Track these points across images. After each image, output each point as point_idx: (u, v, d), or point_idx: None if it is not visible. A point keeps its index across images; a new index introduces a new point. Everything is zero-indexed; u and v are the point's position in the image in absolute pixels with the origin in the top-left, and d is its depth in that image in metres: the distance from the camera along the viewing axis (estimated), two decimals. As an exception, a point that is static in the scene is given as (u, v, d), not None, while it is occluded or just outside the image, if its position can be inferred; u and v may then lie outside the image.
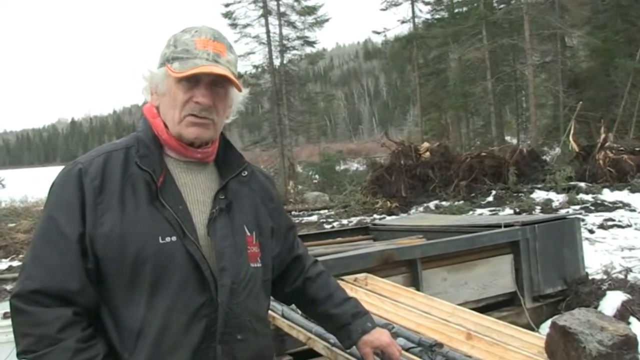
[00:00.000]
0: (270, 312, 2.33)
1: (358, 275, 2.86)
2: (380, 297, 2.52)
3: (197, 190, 1.46)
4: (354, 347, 1.75)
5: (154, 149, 1.43)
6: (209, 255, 1.38)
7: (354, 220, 12.66)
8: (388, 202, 13.87)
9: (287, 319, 2.24)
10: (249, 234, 1.49)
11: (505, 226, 5.05)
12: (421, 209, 13.63)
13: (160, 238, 1.34)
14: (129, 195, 1.37)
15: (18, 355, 1.32)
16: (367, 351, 1.72)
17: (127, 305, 1.34)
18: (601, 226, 10.01)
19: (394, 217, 11.43)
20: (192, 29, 1.45)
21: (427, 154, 15.29)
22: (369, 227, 6.43)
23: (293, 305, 2.35)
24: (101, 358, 1.31)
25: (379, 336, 1.72)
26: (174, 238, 1.35)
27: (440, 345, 1.95)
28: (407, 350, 1.92)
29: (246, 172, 1.54)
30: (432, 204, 13.87)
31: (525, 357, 1.89)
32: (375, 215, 12.88)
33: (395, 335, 2.04)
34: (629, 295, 5.14)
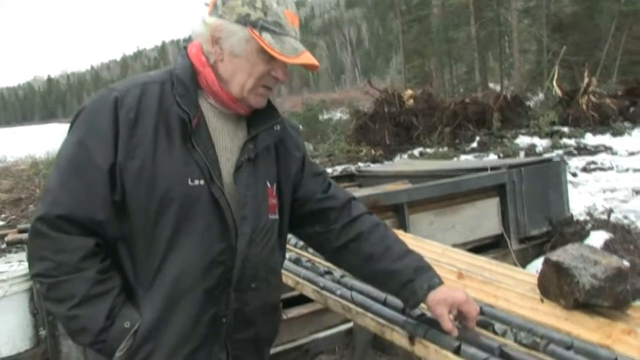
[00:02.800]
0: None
1: (345, 219, 2.81)
2: (369, 240, 2.48)
3: (226, 137, 1.43)
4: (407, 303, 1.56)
5: (192, 90, 1.39)
6: (232, 203, 1.37)
7: (339, 168, 12.61)
8: (372, 150, 13.85)
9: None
10: (269, 185, 1.47)
11: (492, 169, 5.03)
12: (405, 156, 13.63)
13: (189, 180, 1.32)
14: (162, 133, 1.34)
15: (33, 276, 1.34)
16: (440, 311, 1.50)
17: (148, 243, 1.33)
18: (584, 169, 10.11)
19: (378, 164, 11.41)
20: None
21: (411, 101, 15.19)
22: (354, 174, 6.40)
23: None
24: (117, 291, 1.32)
25: (452, 293, 1.52)
26: (202, 182, 1.33)
27: (432, 284, 1.91)
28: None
29: (279, 126, 1.50)
30: (416, 151, 13.88)
31: (518, 294, 1.87)
32: (359, 164, 12.84)
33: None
34: (611, 235, 5.20)
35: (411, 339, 1.58)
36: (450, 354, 1.46)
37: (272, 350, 2.75)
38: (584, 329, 1.60)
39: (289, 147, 1.56)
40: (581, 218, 5.75)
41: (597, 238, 4.98)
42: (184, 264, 1.32)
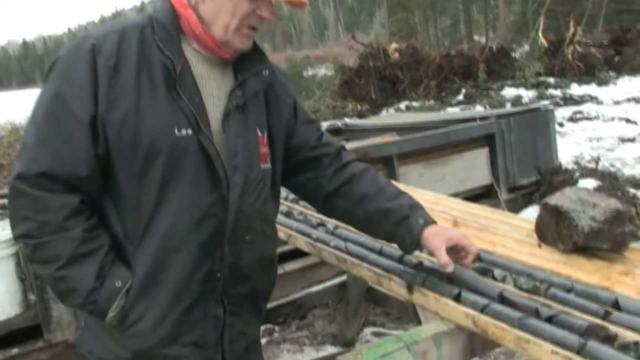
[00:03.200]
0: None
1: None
2: (361, 192, 2.43)
3: (212, 84, 1.36)
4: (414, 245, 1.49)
5: (174, 34, 1.31)
6: (222, 153, 1.31)
7: (325, 124, 12.50)
8: (358, 105, 13.72)
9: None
10: (260, 134, 1.41)
11: (480, 119, 4.99)
12: (392, 110, 13.53)
13: (176, 130, 1.26)
14: (145, 81, 1.27)
15: (16, 238, 1.28)
16: (436, 243, 1.44)
17: (136, 198, 1.27)
18: (570, 119, 10.11)
19: (365, 119, 11.32)
20: None
21: (396, 55, 15.00)
22: (341, 129, 6.33)
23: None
24: (106, 249, 1.27)
25: (449, 229, 1.53)
26: (189, 131, 1.26)
27: (427, 233, 1.88)
28: (393, 240, 1.84)
29: (267, 71, 1.42)
30: (402, 105, 13.78)
31: (515, 240, 1.84)
32: (346, 119, 12.73)
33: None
34: (599, 182, 5.22)
35: (409, 288, 1.55)
36: (450, 302, 1.44)
37: (267, 306, 2.74)
38: (583, 272, 1.58)
39: (279, 94, 1.49)
40: (569, 167, 5.77)
41: (586, 186, 4.98)
42: (174, 218, 1.27)
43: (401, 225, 1.48)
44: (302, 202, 2.28)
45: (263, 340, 3.20)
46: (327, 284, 2.99)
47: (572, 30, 15.02)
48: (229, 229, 1.31)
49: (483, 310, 1.37)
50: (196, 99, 1.30)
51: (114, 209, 1.29)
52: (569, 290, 1.45)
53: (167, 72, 1.26)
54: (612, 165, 6.42)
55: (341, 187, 1.53)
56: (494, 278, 1.57)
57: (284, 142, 1.50)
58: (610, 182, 5.11)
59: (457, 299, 1.44)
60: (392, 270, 1.62)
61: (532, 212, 5.05)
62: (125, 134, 1.24)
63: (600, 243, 1.62)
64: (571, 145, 7.89)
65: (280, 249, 2.64)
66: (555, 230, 1.72)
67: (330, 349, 3.16)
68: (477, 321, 1.36)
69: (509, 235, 1.90)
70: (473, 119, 5.03)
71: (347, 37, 22.06)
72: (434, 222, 1.51)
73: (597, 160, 5.68)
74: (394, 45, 15.72)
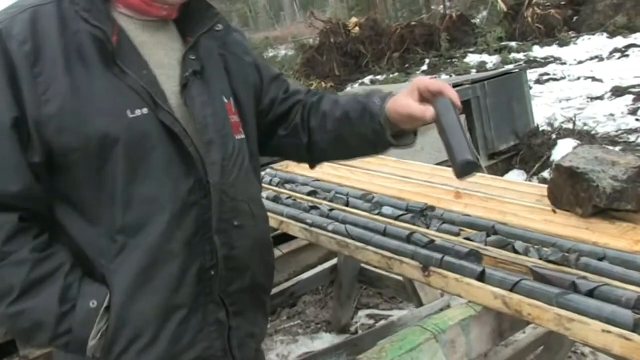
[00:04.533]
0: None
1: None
2: (350, 169, 2.28)
3: (159, 51, 1.16)
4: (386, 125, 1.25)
5: (98, 1, 1.11)
6: (189, 129, 1.12)
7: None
8: (322, 83, 13.50)
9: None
10: (226, 100, 1.23)
11: (455, 86, 4.85)
12: (356, 85, 13.36)
13: (129, 112, 1.06)
14: (76, 62, 1.06)
15: None
16: (401, 103, 1.23)
17: (99, 201, 1.07)
18: (537, 82, 10.09)
19: (332, 97, 11.15)
20: None
21: (357, 29, 14.79)
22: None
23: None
24: (68, 268, 1.06)
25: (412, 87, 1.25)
26: (145, 110, 1.07)
27: (432, 208, 1.74)
28: (396, 218, 1.70)
29: (220, 26, 1.24)
30: (367, 80, 13.62)
31: (526, 208, 1.71)
32: (312, 99, 12.56)
33: (378, 204, 1.81)
34: (578, 142, 5.15)
35: (425, 270, 1.39)
36: (474, 282, 1.29)
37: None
38: (609, 236, 1.45)
39: (238, 53, 1.31)
40: (542, 129, 5.70)
41: (565, 146, 4.92)
42: (149, 216, 1.08)
43: (363, 117, 1.29)
44: (288, 186, 2.11)
45: (254, 334, 3.04)
46: (319, 269, 2.83)
47: (530, -8, 15.00)
48: (215, 216, 1.13)
49: (513, 288, 1.23)
50: (144, 71, 1.11)
51: (74, 219, 1.09)
52: (601, 258, 1.32)
53: (102, 46, 1.06)
54: (585, 124, 6.36)
55: (318, 130, 1.37)
56: (515, 251, 1.42)
57: (255, 106, 1.33)
58: (590, 140, 5.05)
59: (481, 278, 1.30)
60: (402, 252, 1.47)
61: (513, 177, 4.97)
62: (67, 129, 1.03)
63: (625, 204, 1.49)
64: (542, 107, 7.83)
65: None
66: (572, 193, 1.58)
67: (325, 337, 3.02)
68: (508, 302, 1.22)
69: (517, 202, 1.76)
70: (447, 87, 4.90)
71: (304, 16, 21.75)
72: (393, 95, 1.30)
73: (573, 120, 5.61)
74: (354, 19, 15.51)
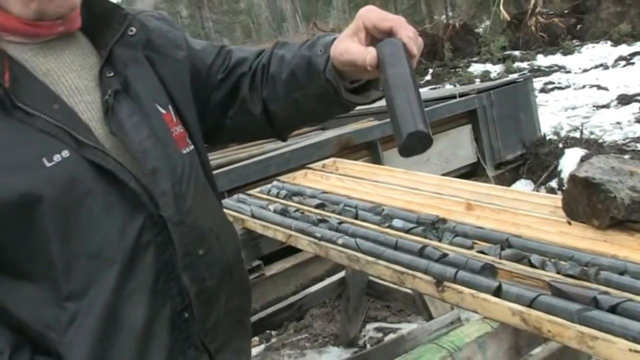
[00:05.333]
0: (237, 214, 2.03)
1: (325, 161, 2.55)
2: (357, 180, 2.25)
3: (69, 76, 0.98)
4: (332, 70, 1.03)
5: None
6: (123, 160, 0.96)
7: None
8: (327, 94, 13.55)
9: (259, 218, 1.93)
10: (163, 110, 1.06)
11: (460, 96, 4.83)
12: (361, 96, 13.39)
13: (45, 160, 0.89)
14: None
15: None
16: (343, 46, 0.98)
17: (35, 268, 0.92)
18: (542, 90, 10.07)
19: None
20: None
21: (360, 40, 14.85)
22: (316, 118, 6.11)
23: (263, 203, 2.05)
24: (8, 354, 0.90)
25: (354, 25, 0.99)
26: (65, 153, 0.91)
27: (443, 220, 1.70)
28: (407, 231, 1.65)
29: (134, 28, 1.05)
30: (371, 90, 13.65)
31: (539, 219, 1.66)
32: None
33: (388, 217, 1.77)
34: (586, 150, 5.12)
35: (439, 285, 1.35)
36: (490, 297, 1.24)
37: (263, 313, 2.54)
38: (628, 249, 1.41)
39: (167, 51, 1.13)
40: (548, 138, 5.66)
41: (573, 155, 4.89)
42: (95, 273, 0.93)
43: (312, 77, 1.07)
44: (296, 198, 2.07)
45: (261, 347, 3.00)
46: (326, 282, 2.79)
47: (533, 1, 15.03)
48: (179, 252, 1.00)
49: (531, 304, 1.18)
50: (55, 105, 0.93)
51: (11, 293, 0.93)
52: (622, 272, 1.27)
53: None
54: (591, 133, 6.33)
55: (270, 98, 1.17)
56: (531, 264, 1.38)
57: (197, 106, 1.16)
58: (598, 149, 5.01)
59: (498, 293, 1.25)
60: (415, 267, 1.43)
61: (520, 187, 4.93)
62: None
63: (643, 215, 1.45)
64: (547, 116, 7.80)
65: (274, 249, 2.44)
66: (588, 205, 1.54)
67: (333, 350, 2.97)
68: (526, 318, 1.17)
69: (531, 214, 1.71)
70: (453, 97, 4.87)
71: (306, 27, 21.82)
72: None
73: (580, 128, 5.58)
74: (357, 30, 15.56)
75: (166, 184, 1.00)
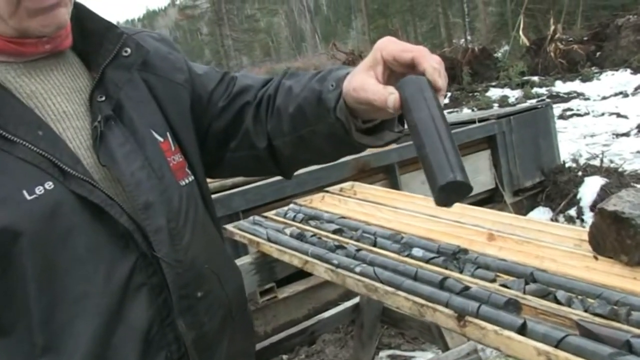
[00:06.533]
0: (253, 237, 1.99)
1: (343, 185, 2.52)
2: (376, 206, 2.20)
3: (57, 99, 0.90)
4: (345, 112, 0.94)
5: None
6: (114, 193, 0.89)
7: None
8: (344, 115, 13.58)
9: (275, 242, 1.90)
10: (161, 139, 0.98)
11: (480, 121, 4.80)
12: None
13: (25, 192, 0.81)
14: None
15: None
16: (359, 82, 0.89)
17: (15, 318, 0.82)
18: (561, 117, 10.00)
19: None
20: None
21: (378, 61, 14.91)
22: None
23: (279, 226, 2.02)
24: None
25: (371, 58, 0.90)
26: (49, 185, 0.82)
27: (465, 250, 1.65)
28: (427, 261, 1.61)
29: (129, 49, 0.97)
30: (388, 112, 13.66)
31: (565, 253, 1.61)
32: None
33: (407, 245, 1.72)
34: (606, 179, 5.04)
35: (460, 319, 1.30)
36: (514, 335, 1.19)
37: (275, 337, 2.49)
38: (658, 288, 1.36)
39: (165, 73, 1.06)
40: (567, 165, 5.60)
41: (593, 184, 4.81)
42: (80, 322, 0.83)
43: (321, 114, 0.97)
44: (313, 222, 2.04)
45: (271, 372, 2.93)
46: (340, 307, 2.74)
47: (552, 27, 15.02)
48: (174, 294, 0.91)
49: (559, 344, 1.13)
50: (39, 131, 0.84)
51: None
52: (655, 313, 1.21)
53: None
54: (611, 161, 6.24)
55: (275, 133, 1.08)
56: (557, 301, 1.33)
57: (197, 135, 1.09)
58: (618, 178, 4.93)
59: (522, 331, 1.20)
60: (436, 299, 1.38)
61: (538, 215, 4.85)
62: None
63: (675, 253, 1.39)
64: (566, 143, 7.73)
65: (282, 274, 2.39)
66: (616, 239, 1.49)
67: (345, 378, 2.91)
68: (553, 359, 1.12)
69: (555, 247, 1.66)
70: (472, 121, 4.84)
71: (325, 47, 22.00)
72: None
73: (601, 157, 5.50)
74: (376, 52, 15.64)
75: (161, 219, 0.91)
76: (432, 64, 0.83)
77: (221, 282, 1.03)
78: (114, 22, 1.03)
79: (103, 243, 0.85)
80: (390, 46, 0.87)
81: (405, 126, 0.92)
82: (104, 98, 0.93)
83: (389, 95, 0.83)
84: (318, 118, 0.99)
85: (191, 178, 1.02)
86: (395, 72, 0.88)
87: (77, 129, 0.90)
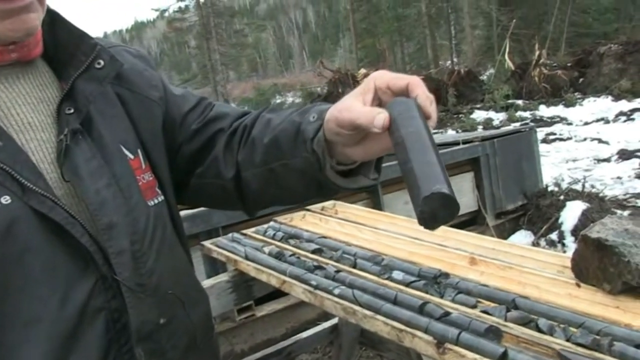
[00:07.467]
0: (231, 254, 1.95)
1: (325, 204, 2.48)
2: (357, 226, 2.17)
3: (21, 109, 0.85)
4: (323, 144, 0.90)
5: None
6: (77, 210, 0.83)
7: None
8: (329, 133, 13.60)
9: (253, 260, 1.85)
10: (131, 156, 0.93)
11: (464, 142, 4.80)
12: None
13: None
14: None
15: None
16: (346, 105, 0.86)
17: None
18: (544, 140, 10.10)
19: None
20: None
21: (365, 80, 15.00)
22: (317, 156, 6.09)
23: (258, 244, 1.97)
24: None
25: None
26: (5, 199, 0.77)
27: (446, 275, 1.62)
28: (407, 285, 1.57)
29: (102, 61, 0.91)
30: (373, 131, 13.71)
31: (547, 279, 1.58)
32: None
33: (388, 268, 1.69)
34: (587, 204, 5.06)
35: (439, 346, 1.26)
36: (495, 364, 1.16)
37: (252, 358, 2.43)
38: (641, 318, 1.33)
39: (140, 89, 1.01)
40: (550, 189, 5.62)
41: (575, 208, 4.83)
42: (30, 347, 0.77)
43: (297, 146, 0.93)
44: (292, 241, 2.00)
45: (246, 393, 2.87)
46: (318, 328, 2.69)
47: (537, 52, 15.23)
48: (134, 322, 0.85)
49: (540, 376, 1.10)
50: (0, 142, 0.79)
51: None
52: (638, 345, 1.19)
53: None
54: (592, 186, 6.29)
55: (245, 163, 1.03)
56: (538, 329, 1.30)
57: (168, 154, 1.04)
58: (599, 204, 4.96)
59: (504, 359, 1.17)
60: (415, 325, 1.34)
61: (520, 238, 4.85)
62: None
63: (659, 283, 1.37)
64: (548, 166, 7.79)
65: (260, 293, 2.33)
66: (599, 267, 1.47)
67: (321, 400, 2.85)
68: (534, 391, 1.09)
69: (538, 273, 1.63)
70: (456, 143, 4.84)
71: (312, 65, 22.13)
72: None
73: (583, 182, 5.53)
74: (363, 70, 15.74)
75: (124, 241, 0.85)
76: (426, 92, 0.82)
77: (186, 308, 0.96)
78: (101, 32, 0.98)
79: (61, 263, 0.80)
80: (385, 75, 0.86)
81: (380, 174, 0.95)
82: (72, 110, 0.88)
83: (377, 115, 0.80)
84: (293, 150, 0.94)
85: (161, 198, 0.97)
86: (384, 103, 0.85)
87: (42, 141, 0.85)
